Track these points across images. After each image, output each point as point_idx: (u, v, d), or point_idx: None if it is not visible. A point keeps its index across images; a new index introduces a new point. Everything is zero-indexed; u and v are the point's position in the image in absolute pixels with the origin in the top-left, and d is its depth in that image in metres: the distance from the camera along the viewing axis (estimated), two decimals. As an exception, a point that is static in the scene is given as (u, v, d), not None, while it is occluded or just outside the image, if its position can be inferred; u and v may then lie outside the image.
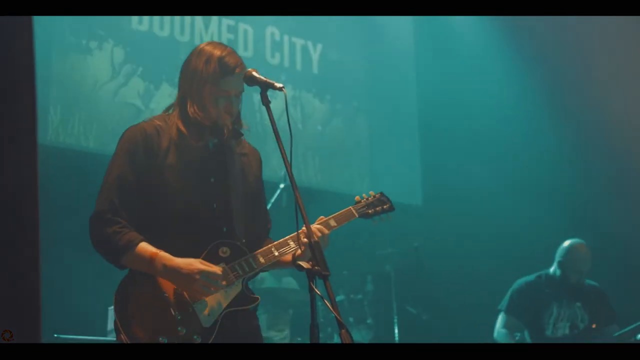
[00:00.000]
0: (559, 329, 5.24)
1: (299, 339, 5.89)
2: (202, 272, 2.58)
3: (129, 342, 2.53)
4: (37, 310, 1.50)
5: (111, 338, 4.55)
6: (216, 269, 2.62)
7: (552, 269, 5.45)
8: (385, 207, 3.07)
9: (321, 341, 4.69)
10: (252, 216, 2.90)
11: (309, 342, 2.26)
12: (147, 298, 2.61)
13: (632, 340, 4.95)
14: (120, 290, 2.64)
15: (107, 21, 5.99)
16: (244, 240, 2.78)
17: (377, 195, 3.08)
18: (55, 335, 4.46)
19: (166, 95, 6.21)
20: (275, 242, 2.80)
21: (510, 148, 7.43)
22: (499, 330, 5.40)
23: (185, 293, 2.63)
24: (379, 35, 7.72)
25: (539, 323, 5.29)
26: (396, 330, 6.36)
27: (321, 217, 2.89)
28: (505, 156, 7.42)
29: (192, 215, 2.69)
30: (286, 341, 5.86)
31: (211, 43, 2.87)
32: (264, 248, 2.77)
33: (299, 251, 2.74)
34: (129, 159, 2.71)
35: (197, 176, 2.75)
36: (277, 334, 5.88)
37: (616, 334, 5.09)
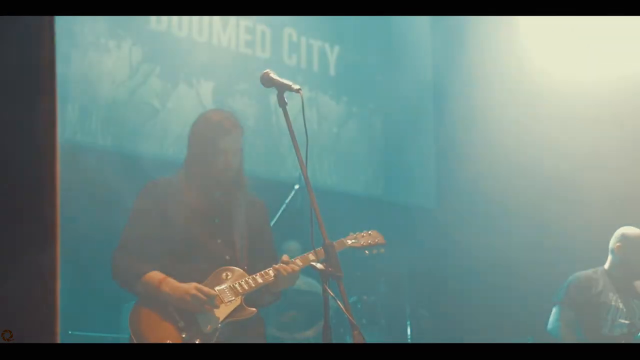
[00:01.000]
0: (616, 327, 5.00)
1: (311, 340, 5.90)
2: (198, 288, 2.99)
3: None
4: (54, 308, 1.52)
5: (124, 335, 4.59)
6: (211, 291, 3.02)
7: (607, 264, 5.25)
8: (376, 240, 3.44)
9: (333, 341, 4.68)
10: (256, 251, 3.26)
11: (321, 342, 2.28)
12: (156, 311, 3.01)
13: None
14: (134, 310, 3.06)
15: (126, 21, 6.03)
16: (246, 267, 3.16)
17: (371, 232, 3.47)
18: (70, 332, 4.50)
19: (183, 95, 6.25)
20: (273, 267, 3.13)
21: (528, 151, 7.39)
22: (554, 323, 5.13)
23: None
24: (397, 38, 7.72)
25: (596, 319, 5.02)
26: (409, 333, 6.36)
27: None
28: (521, 159, 7.39)
29: (198, 248, 3.13)
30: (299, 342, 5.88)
31: (214, 110, 3.41)
32: (262, 271, 3.12)
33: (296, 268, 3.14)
34: (144, 207, 3.19)
35: (202, 218, 3.18)
36: (291, 336, 5.89)
37: None
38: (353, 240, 3.37)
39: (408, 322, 6.39)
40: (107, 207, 5.36)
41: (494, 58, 7.58)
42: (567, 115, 7.16)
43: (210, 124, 3.19)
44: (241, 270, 3.13)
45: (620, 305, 5.06)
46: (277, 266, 3.07)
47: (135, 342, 2.92)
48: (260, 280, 3.08)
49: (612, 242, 5.19)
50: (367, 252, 3.40)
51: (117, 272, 3.14)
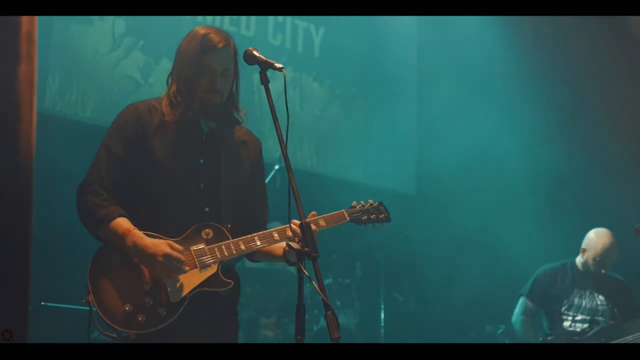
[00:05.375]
0: (577, 322, 5.13)
1: (285, 320, 5.92)
2: (165, 256, 2.62)
3: (95, 304, 2.61)
4: (27, 278, 1.51)
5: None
6: (180, 255, 2.65)
7: (577, 258, 5.37)
8: (381, 216, 3.10)
9: (307, 323, 4.70)
10: (243, 203, 2.91)
11: (295, 323, 2.29)
12: (122, 266, 2.66)
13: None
14: (98, 254, 2.70)
15: (110, -8, 5.95)
16: (229, 226, 2.81)
17: (375, 204, 3.12)
18: (43, 303, 4.48)
19: (165, 70, 6.16)
20: (260, 232, 2.80)
21: (508, 141, 7.43)
22: (517, 316, 5.33)
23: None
24: (382, 22, 7.69)
25: (558, 312, 5.20)
26: (382, 316, 6.40)
27: (313, 212, 2.88)
28: (501, 149, 7.43)
29: (177, 192, 2.75)
30: (272, 323, 5.89)
31: (203, 26, 2.91)
32: (248, 236, 2.79)
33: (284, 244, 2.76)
34: (120, 135, 2.79)
35: (186, 156, 2.80)
36: (266, 318, 5.91)
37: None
38: (354, 213, 3.02)
39: (382, 306, 6.43)
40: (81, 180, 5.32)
41: (481, 45, 7.60)
42: (551, 104, 7.21)
43: (195, 38, 2.80)
44: (224, 230, 2.76)
45: (584, 303, 5.17)
46: (282, 229, 2.70)
47: (92, 297, 2.60)
48: (243, 248, 2.74)
49: (583, 243, 5.32)
50: (368, 229, 3.08)
51: (80, 211, 2.73)
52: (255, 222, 2.94)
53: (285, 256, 2.82)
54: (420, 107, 8.00)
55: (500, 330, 5.46)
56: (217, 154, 2.85)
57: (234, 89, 2.89)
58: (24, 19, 1.50)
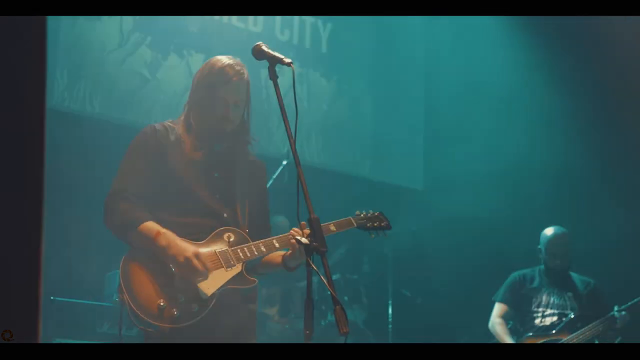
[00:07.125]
0: (547, 316, 5.32)
1: (293, 315, 5.93)
2: (196, 255, 2.81)
3: (130, 303, 2.75)
4: (37, 273, 1.52)
5: (107, 303, 4.59)
6: (207, 264, 2.83)
7: (542, 264, 5.59)
8: (383, 224, 3.34)
9: (315, 318, 4.73)
10: (255, 214, 3.12)
11: (303, 318, 2.30)
12: (153, 265, 2.84)
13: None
14: (127, 257, 2.86)
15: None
16: (247, 230, 3.02)
17: (376, 213, 3.35)
18: (52, 298, 4.50)
19: (173, 66, 6.20)
20: (277, 237, 3.01)
21: (515, 138, 7.42)
22: (493, 320, 5.50)
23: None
24: (390, 18, 7.68)
25: (529, 312, 5.38)
26: (390, 312, 6.40)
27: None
28: (509, 146, 7.41)
29: (196, 201, 2.96)
30: (276, 317, 5.90)
31: (221, 56, 3.12)
32: (267, 239, 2.99)
33: (289, 252, 2.98)
34: (140, 150, 3.00)
35: (201, 170, 3.01)
36: (274, 313, 5.92)
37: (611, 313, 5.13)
38: (360, 220, 3.24)
39: (389, 302, 6.43)
40: (90, 175, 5.35)
41: (489, 41, 7.58)
42: (561, 102, 7.19)
43: (212, 70, 3.03)
44: (244, 234, 2.99)
45: (552, 299, 5.36)
46: (293, 234, 2.86)
47: (125, 295, 2.75)
48: (263, 249, 2.95)
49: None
50: (372, 235, 3.30)
51: (111, 218, 2.90)
52: (263, 232, 3.14)
53: (284, 262, 3.03)
54: (427, 102, 7.99)
55: (509, 326, 5.48)
56: (229, 169, 3.07)
57: (245, 116, 3.10)
58: (33, 18, 1.51)
